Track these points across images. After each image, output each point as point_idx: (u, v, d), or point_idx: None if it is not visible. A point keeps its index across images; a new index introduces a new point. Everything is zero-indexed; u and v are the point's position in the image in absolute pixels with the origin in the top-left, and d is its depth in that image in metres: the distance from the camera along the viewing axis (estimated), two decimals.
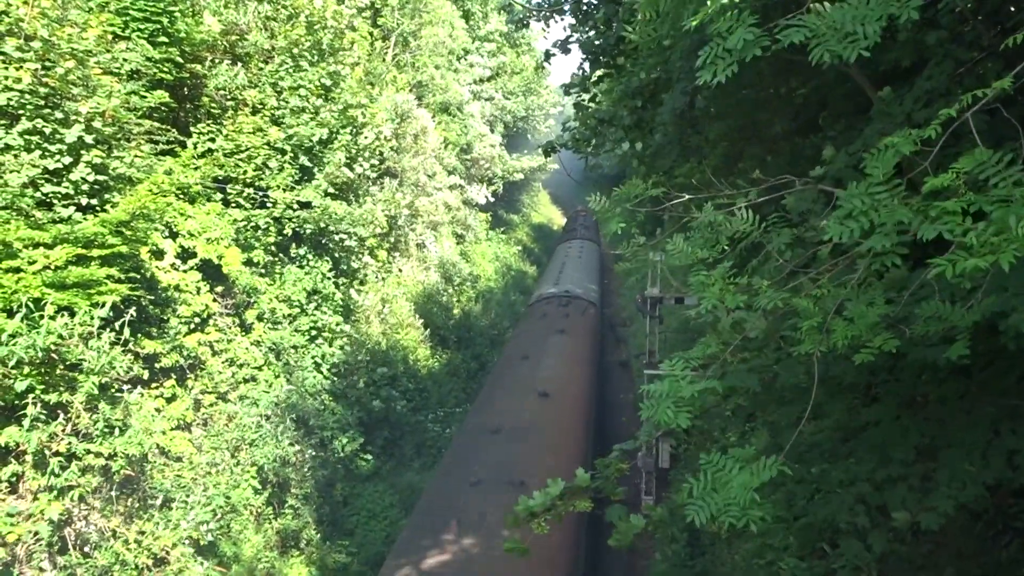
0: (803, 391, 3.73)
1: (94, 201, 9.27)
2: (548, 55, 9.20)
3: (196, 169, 11.64)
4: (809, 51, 2.74)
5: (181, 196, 11.37)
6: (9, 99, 8.46)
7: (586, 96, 9.49)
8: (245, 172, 12.64)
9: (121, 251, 8.89)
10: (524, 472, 8.33)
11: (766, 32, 2.84)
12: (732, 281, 3.33)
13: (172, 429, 9.89)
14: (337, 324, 14.38)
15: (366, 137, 15.93)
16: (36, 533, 7.45)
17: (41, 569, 7.58)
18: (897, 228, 2.44)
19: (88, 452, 8.03)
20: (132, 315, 9.19)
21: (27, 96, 8.57)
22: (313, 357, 13.65)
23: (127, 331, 8.85)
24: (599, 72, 9.20)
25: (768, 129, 6.60)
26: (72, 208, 8.96)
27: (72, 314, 8.13)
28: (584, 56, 8.77)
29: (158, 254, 10.64)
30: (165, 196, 10.01)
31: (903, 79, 4.38)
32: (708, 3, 2.98)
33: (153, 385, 10.15)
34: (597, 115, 8.99)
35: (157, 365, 10.13)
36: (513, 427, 9.71)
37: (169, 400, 10.29)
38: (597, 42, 8.42)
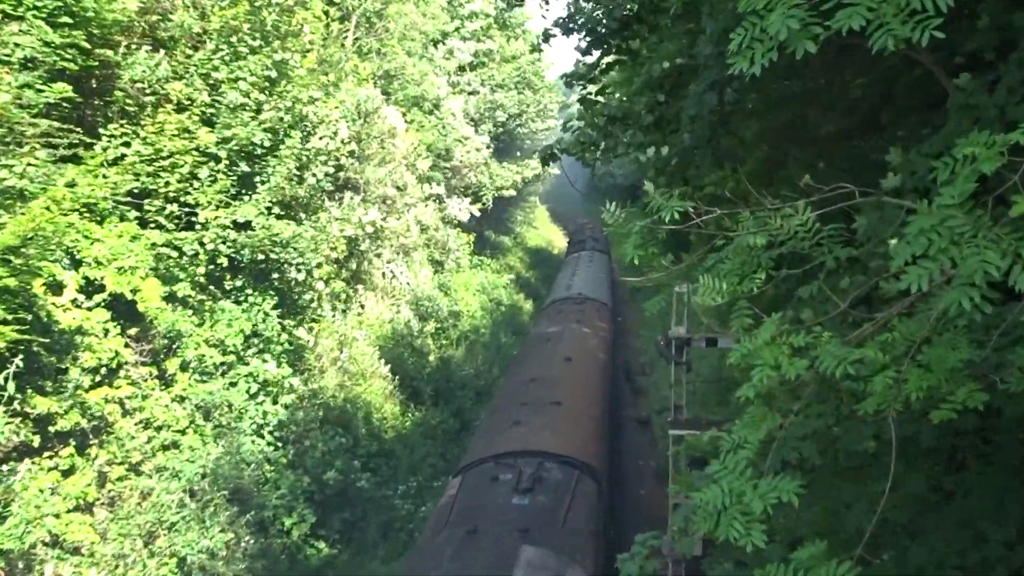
0: (871, 458, 3.68)
1: None
2: (547, 35, 9.34)
3: (106, 179, 11.62)
4: (869, 35, 2.75)
5: (86, 214, 11.35)
6: None
7: (593, 89, 9.56)
8: (168, 184, 12.66)
9: (8, 284, 8.83)
10: (560, 397, 13.79)
11: (814, 12, 2.86)
12: (786, 340, 3.33)
13: (69, 511, 9.71)
14: (283, 376, 14.33)
15: (320, 139, 16.05)
16: None
17: None
18: (984, 276, 2.44)
19: None
20: (19, 365, 9.09)
21: None
22: (252, 417, 13.60)
23: (12, 386, 8.75)
24: (609, 59, 9.28)
25: (819, 128, 6.68)
26: None
27: None
28: (587, 38, 8.88)
29: (56, 288, 10.57)
30: (66, 214, 9.98)
31: (985, 71, 4.44)
32: None
33: (46, 454, 9.98)
34: (607, 112, 9.09)
35: (51, 428, 9.97)
36: (546, 378, 15.19)
37: (66, 473, 10.13)
38: (603, 20, 8.55)
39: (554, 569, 8.39)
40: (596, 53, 9.21)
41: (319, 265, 15.93)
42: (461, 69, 30.91)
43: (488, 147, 31.10)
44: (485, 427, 14.19)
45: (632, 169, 43.58)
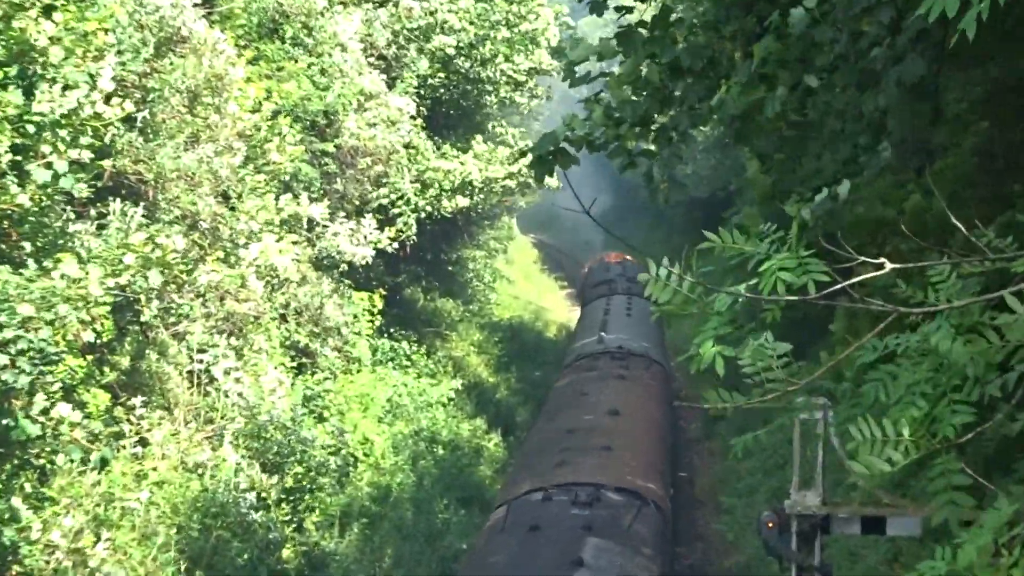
0: None
1: None
2: None
3: None
4: None
5: None
6: None
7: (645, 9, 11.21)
8: None
9: None
10: (609, 443, 21.22)
11: None
12: (1018, 557, 4.24)
13: None
14: None
15: (64, 93, 16.16)
16: None
17: None
18: None
19: None
20: None
21: None
22: None
23: None
24: None
25: None
26: None
27: None
28: None
29: None
30: None
31: None
32: None
33: None
34: (668, 55, 10.51)
35: None
36: (588, 428, 22.64)
37: None
38: None
39: (622, 555, 14.79)
40: None
41: (57, 360, 16.04)
42: None
43: (415, 116, 31.37)
44: (514, 475, 21.69)
45: (712, 164, 44.56)
